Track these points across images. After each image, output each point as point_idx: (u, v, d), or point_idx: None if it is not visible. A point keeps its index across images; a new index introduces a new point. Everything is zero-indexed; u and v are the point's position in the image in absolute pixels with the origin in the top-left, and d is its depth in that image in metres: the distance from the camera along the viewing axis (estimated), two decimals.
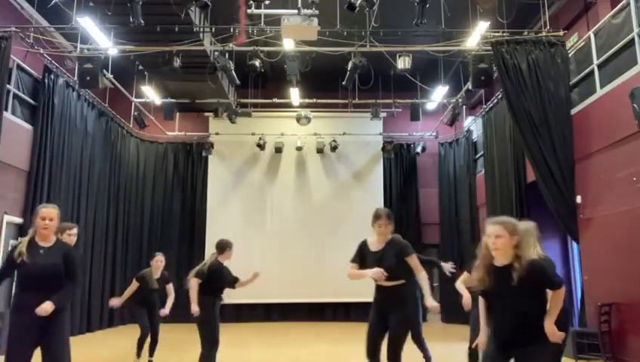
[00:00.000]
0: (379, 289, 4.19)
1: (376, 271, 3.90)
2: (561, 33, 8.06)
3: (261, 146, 12.49)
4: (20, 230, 8.30)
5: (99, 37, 8.47)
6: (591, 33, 7.24)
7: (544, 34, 7.97)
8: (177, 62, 8.54)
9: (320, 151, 12.64)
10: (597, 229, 7.00)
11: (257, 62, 8.64)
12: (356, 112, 12.50)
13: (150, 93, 11.47)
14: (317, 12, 7.13)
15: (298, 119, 11.54)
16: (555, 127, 7.39)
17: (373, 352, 4.10)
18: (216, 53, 8.95)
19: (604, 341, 6.47)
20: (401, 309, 4.07)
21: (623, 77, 6.34)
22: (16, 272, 3.61)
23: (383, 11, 7.88)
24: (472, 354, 5.21)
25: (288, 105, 11.87)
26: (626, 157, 6.26)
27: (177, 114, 12.63)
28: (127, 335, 9.67)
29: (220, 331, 5.14)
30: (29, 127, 8.63)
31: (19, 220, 8.31)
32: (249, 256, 12.45)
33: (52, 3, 8.36)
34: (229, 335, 9.86)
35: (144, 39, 8.86)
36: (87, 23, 8.11)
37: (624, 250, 6.30)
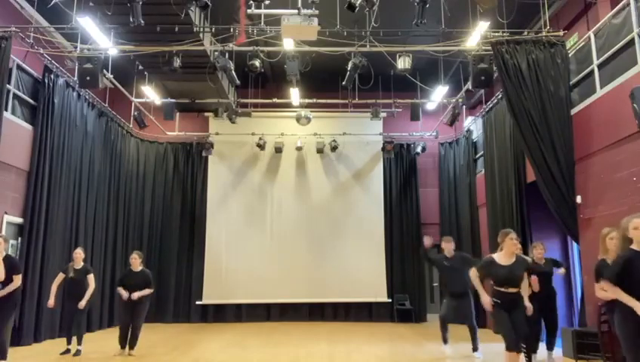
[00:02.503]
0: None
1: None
2: (561, 33, 8.06)
3: (261, 146, 12.49)
4: (20, 230, 8.31)
5: (99, 37, 8.47)
6: (591, 33, 7.24)
7: (544, 34, 7.97)
8: (177, 62, 8.54)
9: (320, 151, 12.64)
10: (597, 229, 6.97)
11: (257, 62, 8.63)
12: (356, 112, 12.51)
13: (150, 93, 11.47)
14: (317, 12, 7.12)
15: (298, 119, 11.54)
16: (555, 127, 7.39)
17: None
18: (216, 53, 8.94)
19: (604, 341, 6.46)
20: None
21: (623, 77, 6.34)
22: None
23: (383, 11, 7.87)
24: None
25: (288, 105, 11.87)
26: (626, 157, 6.26)
27: (177, 114, 12.64)
28: None
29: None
30: (29, 127, 8.64)
31: (19, 220, 8.31)
32: (249, 255, 12.49)
33: (52, 3, 8.36)
34: (229, 335, 9.87)
35: (144, 39, 8.86)
36: (87, 23, 8.11)
37: None
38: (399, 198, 13.07)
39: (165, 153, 13.04)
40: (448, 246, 7.35)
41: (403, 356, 7.35)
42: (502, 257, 4.92)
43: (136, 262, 7.18)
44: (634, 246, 3.78)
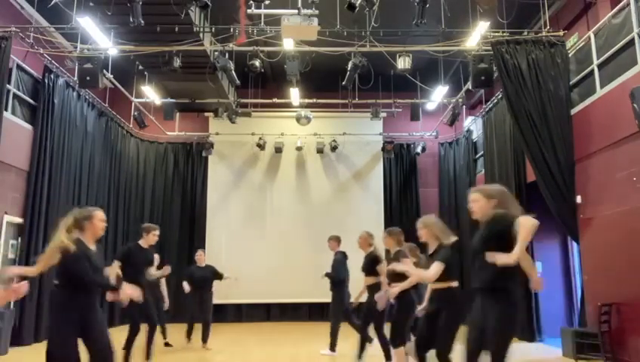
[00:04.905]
0: None
1: None
2: (561, 33, 8.06)
3: (261, 146, 12.49)
4: (20, 230, 8.31)
5: (99, 37, 8.46)
6: (591, 33, 7.25)
7: (544, 34, 7.97)
8: (177, 62, 8.53)
9: (320, 151, 12.64)
10: (597, 229, 6.99)
11: (257, 62, 8.64)
12: (356, 112, 12.50)
13: (150, 93, 11.46)
14: (317, 12, 7.12)
15: (298, 119, 11.53)
16: (555, 127, 7.39)
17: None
18: (216, 53, 8.94)
19: (604, 341, 6.47)
20: None
21: (623, 77, 6.34)
22: None
23: (383, 11, 7.87)
24: None
25: (288, 105, 11.86)
26: (626, 157, 6.26)
27: (177, 114, 12.63)
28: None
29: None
30: (29, 127, 8.64)
31: (19, 220, 8.31)
32: (249, 255, 12.48)
33: (52, 3, 8.35)
34: (229, 335, 9.88)
35: (144, 39, 8.85)
36: (87, 23, 8.10)
37: (624, 250, 6.30)
38: (399, 198, 13.06)
39: (165, 153, 13.04)
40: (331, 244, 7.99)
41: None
42: None
43: (201, 258, 8.10)
44: None
